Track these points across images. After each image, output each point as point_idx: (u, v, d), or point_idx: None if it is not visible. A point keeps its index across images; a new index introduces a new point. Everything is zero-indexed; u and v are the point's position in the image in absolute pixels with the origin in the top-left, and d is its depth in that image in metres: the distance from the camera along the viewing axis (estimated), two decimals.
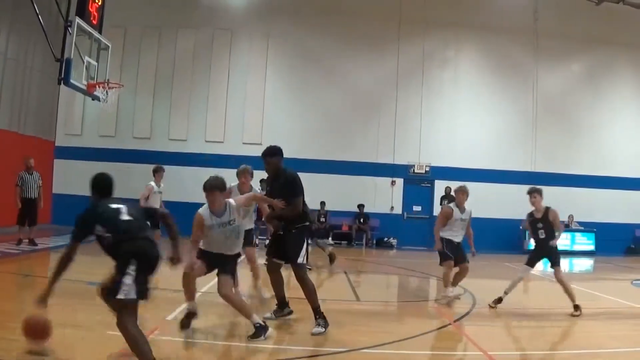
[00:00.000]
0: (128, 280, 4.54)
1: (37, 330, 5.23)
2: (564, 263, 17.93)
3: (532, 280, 14.47)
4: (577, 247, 20.29)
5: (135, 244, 4.74)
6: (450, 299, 8.96)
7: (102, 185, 5.23)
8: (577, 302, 8.52)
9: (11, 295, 8.22)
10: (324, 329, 6.57)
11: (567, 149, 21.26)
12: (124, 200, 5.08)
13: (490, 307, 8.74)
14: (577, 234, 20.51)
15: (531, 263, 9.26)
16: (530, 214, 9.23)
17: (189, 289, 6.46)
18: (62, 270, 4.97)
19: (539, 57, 21.40)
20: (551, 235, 8.98)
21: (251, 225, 8.53)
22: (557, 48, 21.35)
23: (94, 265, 11.49)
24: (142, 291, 4.64)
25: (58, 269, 4.96)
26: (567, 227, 20.66)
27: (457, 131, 21.00)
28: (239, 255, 6.68)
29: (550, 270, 9.14)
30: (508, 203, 20.12)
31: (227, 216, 6.33)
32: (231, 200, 6.48)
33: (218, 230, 6.29)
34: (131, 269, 4.57)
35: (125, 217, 4.88)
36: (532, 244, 9.61)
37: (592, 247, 20.36)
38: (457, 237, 9.16)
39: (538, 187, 9.25)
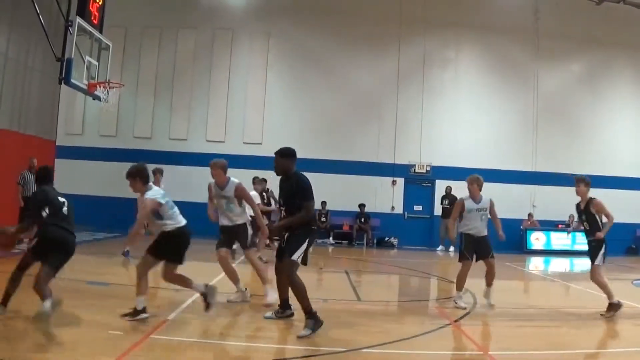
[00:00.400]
0: None
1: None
2: (565, 263, 18.01)
3: (533, 280, 14.50)
4: (577, 247, 20.24)
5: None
6: (458, 306, 8.62)
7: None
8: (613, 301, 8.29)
9: None
10: (311, 331, 6.37)
11: (567, 149, 21.25)
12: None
13: (604, 315, 8.30)
14: (578, 234, 20.44)
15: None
16: (577, 205, 8.89)
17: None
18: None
19: (540, 57, 21.40)
20: (596, 227, 8.61)
21: (244, 220, 8.31)
22: (558, 48, 21.34)
23: (94, 265, 11.54)
24: None
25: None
26: (567, 227, 20.68)
27: (457, 131, 21.00)
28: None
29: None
30: (509, 203, 20.10)
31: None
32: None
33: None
34: None
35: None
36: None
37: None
38: (477, 231, 8.83)
39: (584, 175, 8.89)
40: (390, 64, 21.07)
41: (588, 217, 8.68)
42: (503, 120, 21.38)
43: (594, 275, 8.58)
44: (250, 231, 8.43)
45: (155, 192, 6.73)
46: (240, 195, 8.08)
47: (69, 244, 6.45)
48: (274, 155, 6.96)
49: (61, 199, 6.61)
